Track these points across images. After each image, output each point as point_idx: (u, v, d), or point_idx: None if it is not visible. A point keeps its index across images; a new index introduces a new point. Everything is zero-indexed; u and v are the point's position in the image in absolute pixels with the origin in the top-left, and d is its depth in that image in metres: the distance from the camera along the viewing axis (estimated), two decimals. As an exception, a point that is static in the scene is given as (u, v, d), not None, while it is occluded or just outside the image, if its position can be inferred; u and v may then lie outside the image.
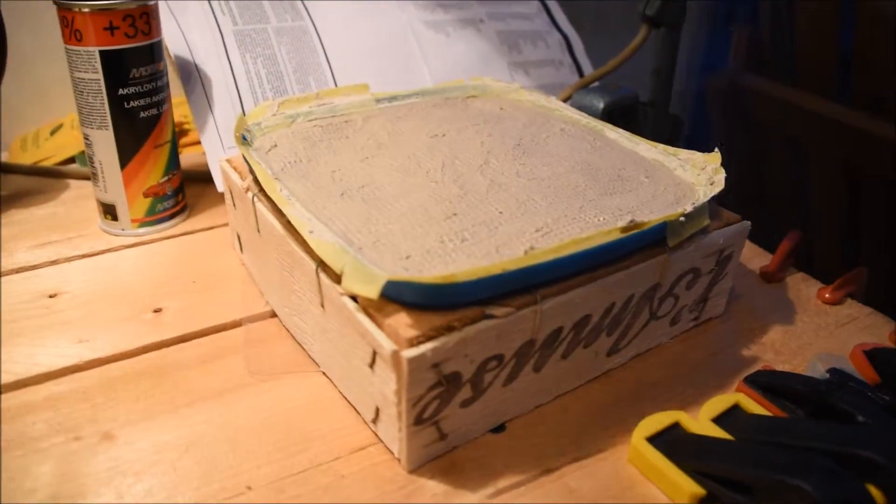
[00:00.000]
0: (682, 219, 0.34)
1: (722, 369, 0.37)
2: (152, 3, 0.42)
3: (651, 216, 0.35)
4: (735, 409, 0.33)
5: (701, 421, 0.32)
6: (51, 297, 0.41)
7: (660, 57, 0.51)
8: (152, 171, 0.45)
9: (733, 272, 0.40)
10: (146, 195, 0.46)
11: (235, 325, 0.39)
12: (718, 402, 0.33)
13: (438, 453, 0.31)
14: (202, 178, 0.53)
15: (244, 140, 0.40)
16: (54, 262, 0.44)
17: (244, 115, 0.48)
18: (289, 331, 0.39)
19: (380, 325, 0.29)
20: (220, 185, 0.47)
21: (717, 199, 0.37)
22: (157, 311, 0.40)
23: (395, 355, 0.27)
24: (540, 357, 0.32)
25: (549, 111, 0.48)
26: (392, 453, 0.31)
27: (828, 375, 0.35)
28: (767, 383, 0.34)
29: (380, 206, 0.35)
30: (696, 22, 0.87)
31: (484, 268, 0.29)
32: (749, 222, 0.38)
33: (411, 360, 0.27)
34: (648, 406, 0.34)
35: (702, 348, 0.38)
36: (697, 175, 0.39)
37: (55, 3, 0.41)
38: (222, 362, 0.37)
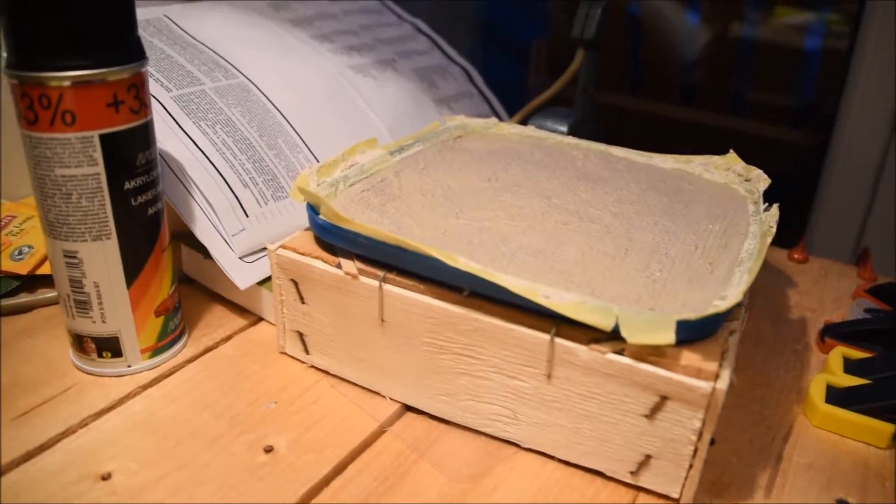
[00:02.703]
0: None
1: (792, 333, 0.43)
2: (145, 68, 0.33)
3: (738, 216, 0.39)
4: (844, 360, 0.39)
5: (839, 375, 0.38)
6: (104, 479, 0.29)
7: (586, 77, 0.56)
8: (162, 283, 0.35)
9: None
10: (158, 314, 0.35)
11: (378, 434, 0.33)
12: (835, 357, 0.39)
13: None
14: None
15: (318, 219, 0.34)
16: (67, 433, 0.31)
17: (234, 192, 0.40)
18: (444, 420, 0.34)
19: (671, 369, 0.28)
20: (243, 282, 0.38)
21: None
22: (268, 450, 0.32)
23: (714, 392, 0.27)
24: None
25: (541, 140, 0.49)
26: (661, 496, 0.30)
27: (868, 315, 0.43)
28: (847, 333, 0.41)
29: (553, 258, 0.33)
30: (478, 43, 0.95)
31: (736, 293, 0.30)
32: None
33: (724, 392, 0.27)
34: (777, 376, 0.39)
35: (765, 320, 0.44)
36: (726, 175, 0.44)
37: (17, 76, 0.30)
38: (409, 479, 0.31)
